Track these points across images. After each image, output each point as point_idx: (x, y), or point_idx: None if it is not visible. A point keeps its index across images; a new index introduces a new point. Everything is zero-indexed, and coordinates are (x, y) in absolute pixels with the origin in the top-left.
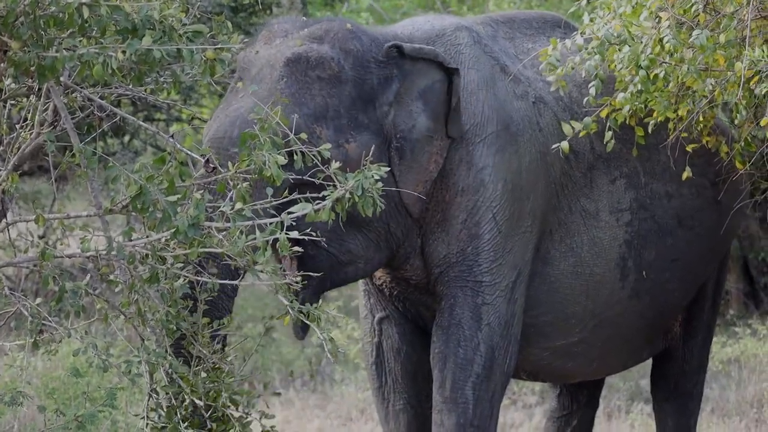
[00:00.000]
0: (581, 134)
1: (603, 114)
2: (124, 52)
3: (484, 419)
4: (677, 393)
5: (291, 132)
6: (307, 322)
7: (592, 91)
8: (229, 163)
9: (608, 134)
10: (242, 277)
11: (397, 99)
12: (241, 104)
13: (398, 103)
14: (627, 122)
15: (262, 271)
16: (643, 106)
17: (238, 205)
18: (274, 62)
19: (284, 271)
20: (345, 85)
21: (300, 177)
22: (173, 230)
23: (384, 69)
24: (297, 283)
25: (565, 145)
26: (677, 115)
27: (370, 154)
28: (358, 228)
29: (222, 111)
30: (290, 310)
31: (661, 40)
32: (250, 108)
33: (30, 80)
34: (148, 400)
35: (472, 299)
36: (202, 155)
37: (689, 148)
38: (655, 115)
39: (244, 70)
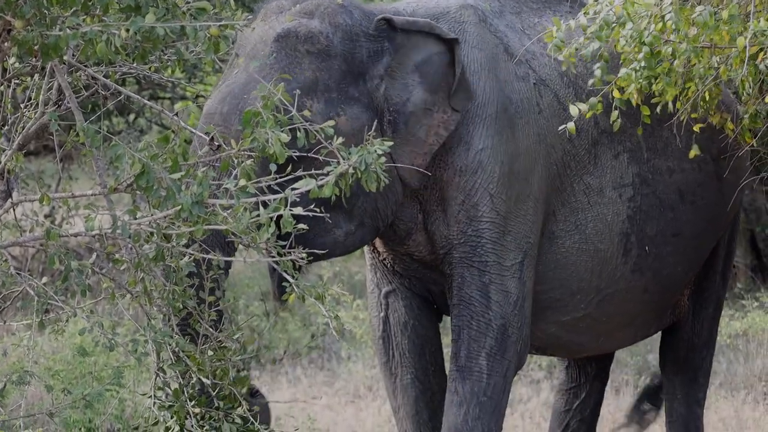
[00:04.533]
0: (587, 116)
1: (612, 92)
2: (127, 30)
3: (497, 392)
4: (686, 367)
5: (292, 109)
6: (316, 302)
7: (598, 73)
8: (233, 141)
9: (614, 113)
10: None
11: (388, 72)
12: (233, 81)
13: (390, 76)
14: (634, 102)
15: (266, 248)
16: (647, 84)
17: (242, 182)
18: (266, 38)
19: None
20: (334, 59)
21: (303, 154)
22: (178, 208)
23: (374, 42)
24: (303, 259)
25: (571, 126)
26: (683, 92)
27: (360, 126)
28: (341, 202)
29: (217, 88)
30: (294, 288)
31: (663, 17)
32: (241, 84)
33: (34, 59)
34: (155, 378)
35: (479, 278)
36: (206, 133)
37: (696, 128)
38: (661, 94)
39: (240, 47)
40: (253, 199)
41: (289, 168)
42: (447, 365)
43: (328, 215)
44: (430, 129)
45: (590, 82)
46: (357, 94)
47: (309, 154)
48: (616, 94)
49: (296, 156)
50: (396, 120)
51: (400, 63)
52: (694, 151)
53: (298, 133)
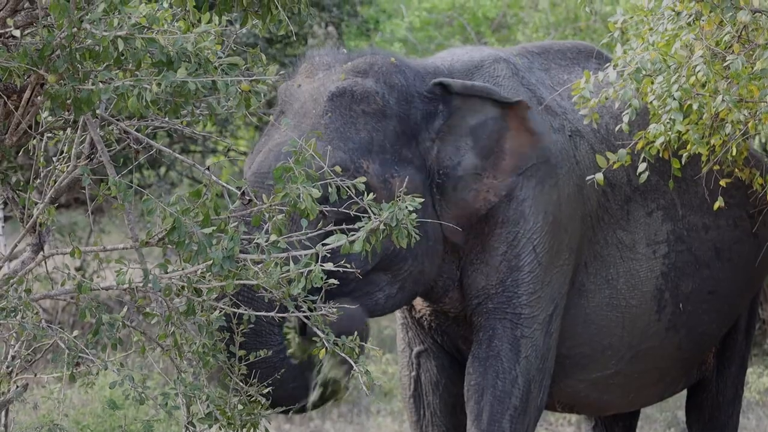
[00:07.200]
0: (615, 166)
1: (639, 147)
2: (159, 84)
3: None
4: (713, 424)
5: (328, 166)
6: (343, 355)
7: (626, 119)
8: (264, 196)
9: (642, 165)
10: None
11: (440, 135)
12: (285, 138)
13: (442, 139)
14: (661, 155)
15: (296, 303)
16: (676, 137)
17: (273, 237)
18: (317, 96)
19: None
20: (390, 120)
21: (336, 209)
22: (209, 262)
23: (428, 104)
24: (333, 314)
25: (599, 176)
26: (711, 146)
27: (414, 189)
28: (390, 265)
29: (265, 144)
30: (326, 343)
31: (695, 68)
32: None
33: (66, 113)
34: None
35: (512, 331)
36: (238, 188)
37: (723, 183)
38: (688, 147)
39: (287, 103)
40: (284, 255)
41: (321, 224)
42: None
43: (358, 271)
44: (479, 194)
45: (617, 128)
46: (410, 155)
47: (340, 209)
48: (640, 144)
49: (329, 212)
50: (444, 183)
51: (454, 126)
52: (718, 203)
53: (330, 189)
